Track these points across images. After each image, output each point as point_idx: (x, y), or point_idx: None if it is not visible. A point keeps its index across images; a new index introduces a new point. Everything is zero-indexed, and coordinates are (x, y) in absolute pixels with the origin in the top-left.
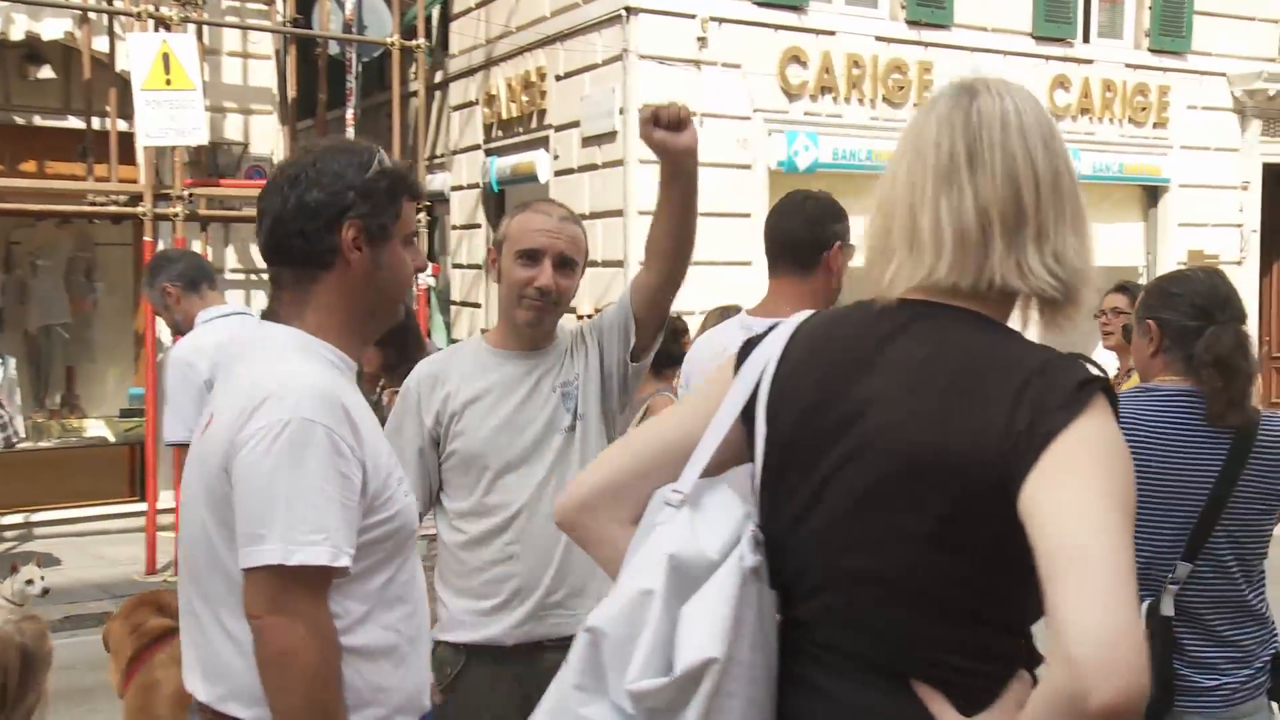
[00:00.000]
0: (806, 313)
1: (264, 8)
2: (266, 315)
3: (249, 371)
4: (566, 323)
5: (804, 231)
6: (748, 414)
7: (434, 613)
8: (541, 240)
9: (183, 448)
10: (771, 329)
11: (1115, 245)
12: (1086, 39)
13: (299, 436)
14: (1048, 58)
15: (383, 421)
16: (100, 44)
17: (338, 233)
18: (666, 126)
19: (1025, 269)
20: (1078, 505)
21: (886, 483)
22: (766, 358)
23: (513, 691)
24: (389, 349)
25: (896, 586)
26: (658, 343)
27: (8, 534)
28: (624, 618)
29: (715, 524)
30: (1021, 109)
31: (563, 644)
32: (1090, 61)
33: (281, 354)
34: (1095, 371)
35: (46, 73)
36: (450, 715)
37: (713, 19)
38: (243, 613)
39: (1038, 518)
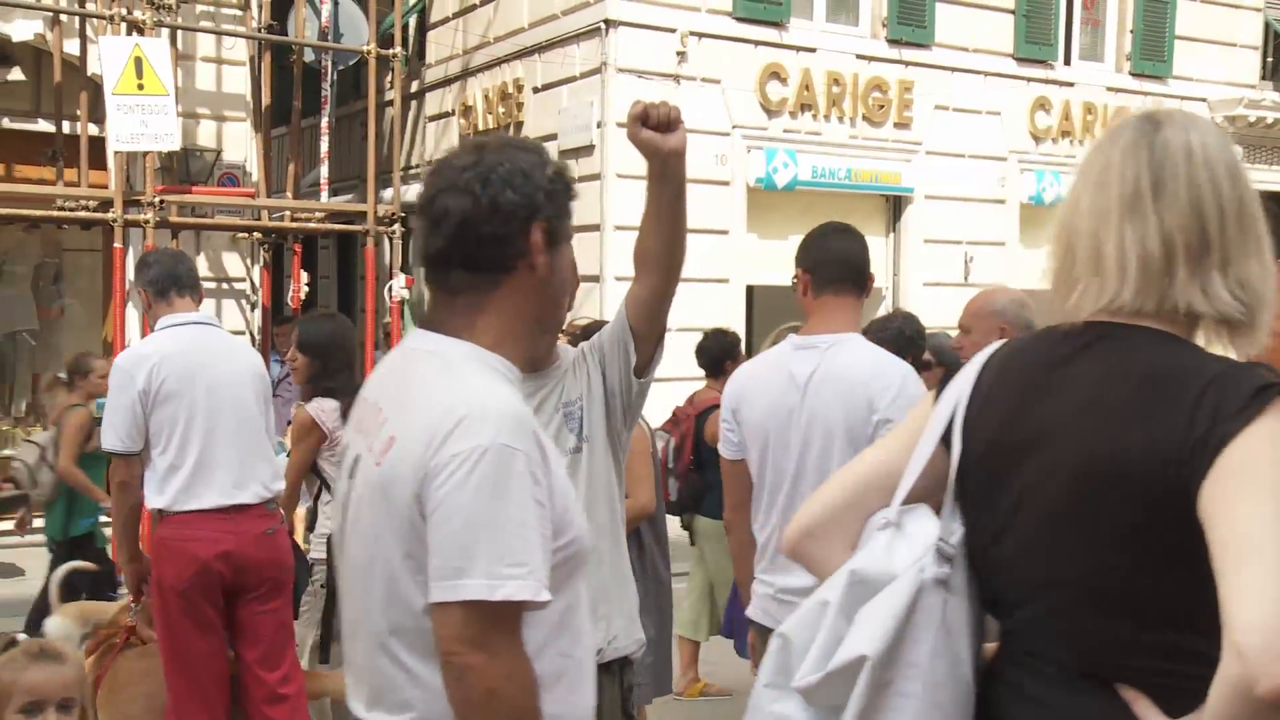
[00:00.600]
0: (997, 343)
1: (239, 13)
2: (427, 325)
3: (432, 390)
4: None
5: (865, 256)
6: (946, 440)
7: None
8: None
9: (118, 457)
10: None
11: None
12: (1068, 61)
13: (501, 464)
14: (1029, 79)
15: None
16: (71, 47)
17: (527, 236)
18: (655, 126)
19: (1210, 294)
20: (1248, 504)
21: (1077, 494)
22: (962, 386)
23: None
24: (315, 360)
25: (1094, 593)
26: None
27: None
28: (804, 624)
29: (911, 542)
30: (1206, 141)
31: None
32: (1071, 84)
33: (460, 370)
34: (1274, 378)
35: (16, 74)
36: None
37: (692, 34)
38: (420, 645)
39: (1212, 518)
